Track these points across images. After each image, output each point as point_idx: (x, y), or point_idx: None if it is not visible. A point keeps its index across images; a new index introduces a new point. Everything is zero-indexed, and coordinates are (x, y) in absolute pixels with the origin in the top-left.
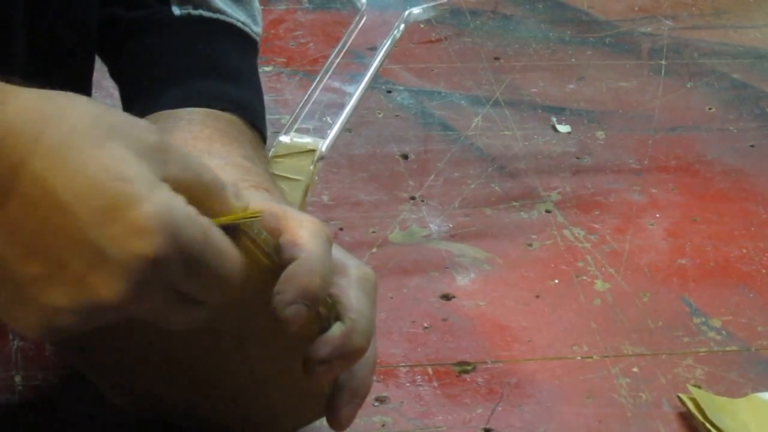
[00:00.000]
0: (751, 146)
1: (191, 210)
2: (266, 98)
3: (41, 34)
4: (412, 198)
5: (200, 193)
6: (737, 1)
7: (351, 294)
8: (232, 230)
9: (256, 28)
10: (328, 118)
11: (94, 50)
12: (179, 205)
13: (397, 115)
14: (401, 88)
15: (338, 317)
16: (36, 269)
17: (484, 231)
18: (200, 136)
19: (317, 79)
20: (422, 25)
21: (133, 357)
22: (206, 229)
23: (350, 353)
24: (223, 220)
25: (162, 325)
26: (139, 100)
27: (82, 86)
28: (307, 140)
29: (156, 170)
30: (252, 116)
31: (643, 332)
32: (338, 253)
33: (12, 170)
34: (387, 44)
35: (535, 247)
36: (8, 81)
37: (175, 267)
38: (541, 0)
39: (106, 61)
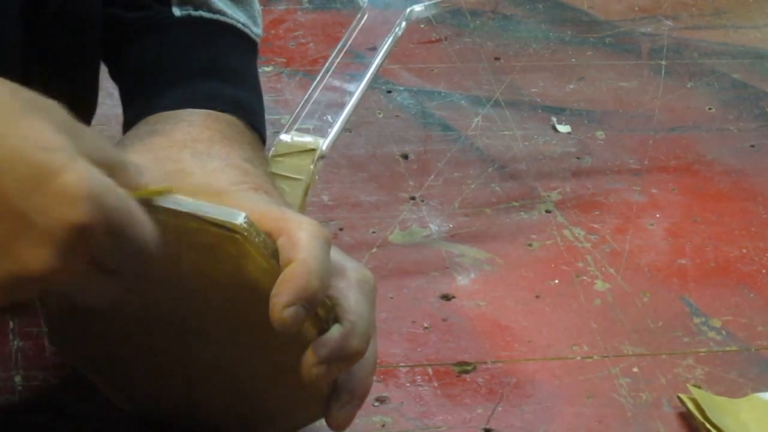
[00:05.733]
0: (751, 146)
1: (110, 180)
2: (266, 98)
3: (39, 32)
4: (412, 198)
5: (109, 170)
6: (737, 1)
7: (350, 296)
8: (144, 205)
9: (256, 30)
10: (329, 118)
11: (98, 51)
12: (100, 176)
13: (397, 115)
14: (401, 88)
15: (337, 319)
16: None
17: (484, 231)
18: (200, 138)
19: (317, 79)
20: (422, 25)
21: (132, 359)
22: (126, 199)
23: (348, 355)
24: (135, 194)
25: (78, 299)
26: (139, 100)
27: (87, 87)
28: (307, 139)
29: (73, 144)
30: (252, 118)
31: (643, 332)
32: (337, 255)
33: None
34: (388, 42)
35: (535, 247)
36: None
37: (100, 234)
38: (541, 0)
39: (105, 61)
